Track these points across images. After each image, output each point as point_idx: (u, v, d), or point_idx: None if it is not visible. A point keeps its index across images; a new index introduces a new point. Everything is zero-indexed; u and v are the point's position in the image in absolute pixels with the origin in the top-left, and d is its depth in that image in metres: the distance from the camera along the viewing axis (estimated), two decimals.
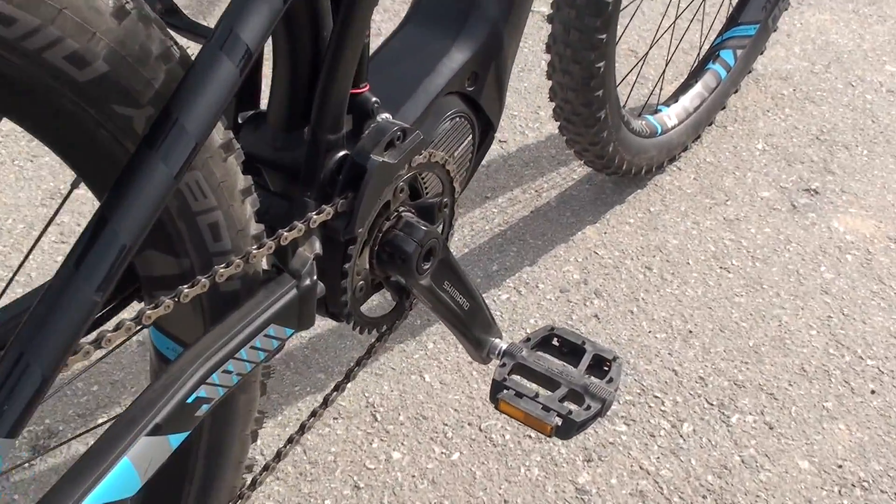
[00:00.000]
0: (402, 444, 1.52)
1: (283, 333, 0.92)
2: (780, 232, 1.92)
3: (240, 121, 1.03)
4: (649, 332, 1.71)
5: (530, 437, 1.53)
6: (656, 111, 2.02)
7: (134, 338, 1.67)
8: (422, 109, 1.10)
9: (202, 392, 0.84)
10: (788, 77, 2.35)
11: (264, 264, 0.94)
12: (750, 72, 2.18)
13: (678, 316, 1.74)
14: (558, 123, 1.76)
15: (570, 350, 1.28)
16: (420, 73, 1.13)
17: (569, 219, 1.94)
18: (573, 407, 1.19)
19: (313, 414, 1.18)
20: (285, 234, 0.90)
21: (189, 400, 0.82)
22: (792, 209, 1.97)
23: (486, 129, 1.25)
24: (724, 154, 2.11)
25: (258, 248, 0.88)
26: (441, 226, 1.15)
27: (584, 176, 2.04)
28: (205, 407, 0.85)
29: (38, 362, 0.66)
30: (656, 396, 1.60)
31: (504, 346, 1.26)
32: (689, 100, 2.06)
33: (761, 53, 2.19)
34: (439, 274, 1.14)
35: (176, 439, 0.82)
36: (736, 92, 2.17)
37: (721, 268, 1.84)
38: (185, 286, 0.82)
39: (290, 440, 1.16)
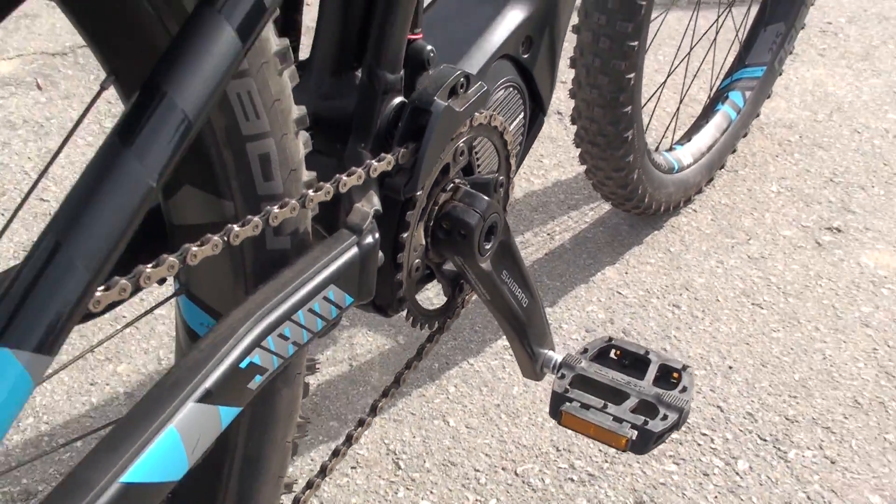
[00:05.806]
0: (431, 492, 1.35)
1: (343, 301, 0.77)
2: (808, 268, 1.81)
3: None
4: None
5: (572, 480, 1.37)
6: (671, 149, 1.93)
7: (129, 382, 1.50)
8: (477, 68, 0.98)
9: (256, 358, 0.69)
10: (793, 125, 2.29)
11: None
12: (757, 115, 2.10)
13: (715, 352, 1.61)
14: (580, 150, 1.65)
15: (633, 362, 1.14)
16: (475, 28, 1.01)
17: (586, 260, 1.82)
18: (647, 418, 1.05)
19: (335, 454, 1.02)
20: (344, 178, 0.77)
21: (242, 365, 0.67)
22: (817, 246, 1.87)
23: (535, 113, 1.13)
24: (739, 196, 2.01)
25: (315, 191, 0.74)
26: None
27: (597, 219, 1.93)
28: (258, 378, 0.69)
29: (81, 258, 0.50)
30: (704, 434, 1.45)
31: (560, 357, 1.12)
32: (702, 139, 1.98)
33: (768, 97, 2.12)
34: (499, 260, 1.00)
35: (227, 413, 0.67)
36: (745, 135, 2.09)
37: (753, 304, 1.72)
38: (237, 224, 0.68)
39: (309, 485, 0.99)
